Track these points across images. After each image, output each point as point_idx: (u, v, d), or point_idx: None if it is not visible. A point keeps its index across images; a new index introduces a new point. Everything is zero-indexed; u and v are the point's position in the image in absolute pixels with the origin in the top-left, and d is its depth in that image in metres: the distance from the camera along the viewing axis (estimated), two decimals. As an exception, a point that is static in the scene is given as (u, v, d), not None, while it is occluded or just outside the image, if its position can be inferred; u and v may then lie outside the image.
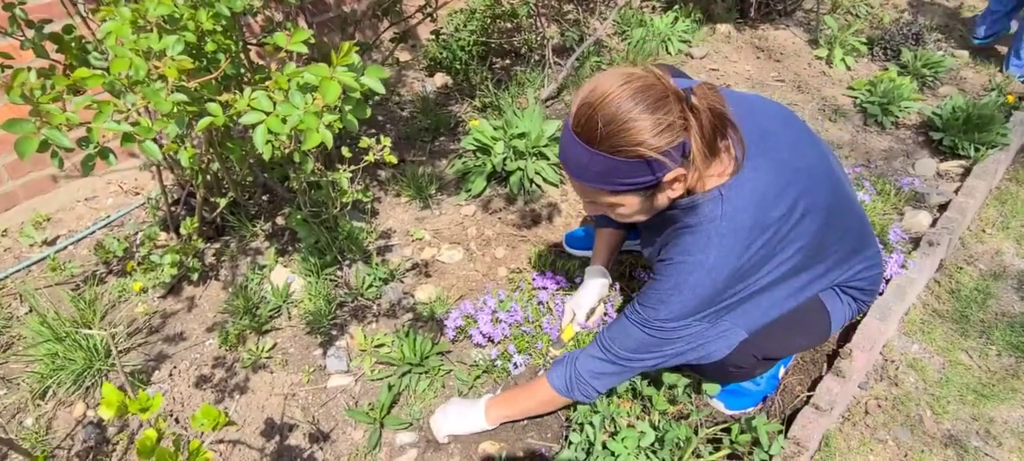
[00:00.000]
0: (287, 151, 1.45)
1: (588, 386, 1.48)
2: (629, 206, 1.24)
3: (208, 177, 2.08)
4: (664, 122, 1.09)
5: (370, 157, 1.63)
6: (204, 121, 1.16)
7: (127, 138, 1.13)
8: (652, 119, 1.09)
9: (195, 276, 2.19)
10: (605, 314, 1.93)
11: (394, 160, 1.67)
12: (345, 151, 1.90)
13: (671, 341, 1.37)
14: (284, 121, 1.16)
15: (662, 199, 1.24)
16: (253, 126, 1.15)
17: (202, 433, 1.69)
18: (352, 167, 1.69)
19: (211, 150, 1.67)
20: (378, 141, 1.64)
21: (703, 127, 1.12)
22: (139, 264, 2.18)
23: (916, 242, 2.24)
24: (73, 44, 1.56)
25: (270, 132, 1.15)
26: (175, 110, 1.12)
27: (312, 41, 1.34)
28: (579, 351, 1.51)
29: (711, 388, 1.69)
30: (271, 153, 1.38)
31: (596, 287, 1.83)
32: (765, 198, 1.24)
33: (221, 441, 1.77)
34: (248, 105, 1.20)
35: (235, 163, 1.78)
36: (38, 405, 1.85)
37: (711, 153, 1.16)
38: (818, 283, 1.45)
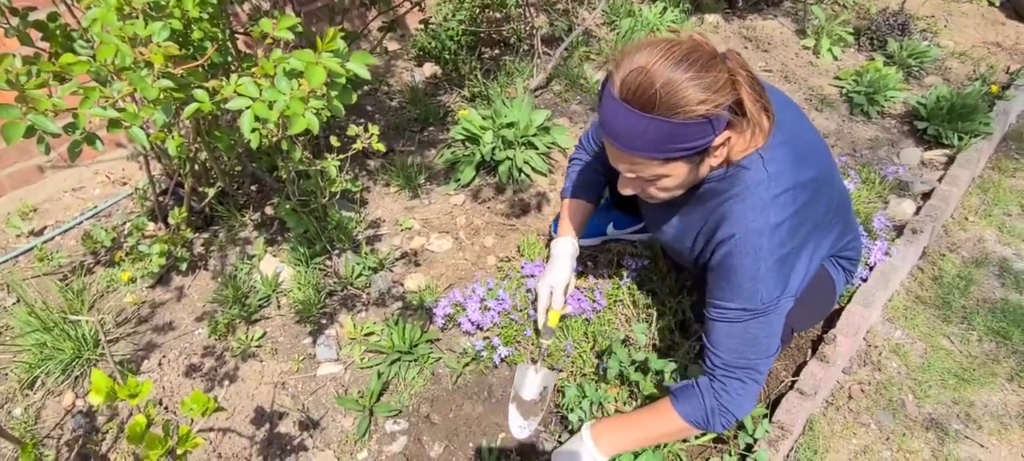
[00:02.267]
0: (275, 139, 1.45)
1: (731, 415, 1.35)
2: (675, 176, 1.22)
3: (196, 167, 2.08)
4: (719, 80, 1.10)
5: (358, 145, 1.64)
6: (191, 108, 1.16)
7: (114, 124, 1.13)
8: (709, 77, 1.09)
9: (184, 266, 2.19)
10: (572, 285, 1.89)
11: (382, 148, 1.67)
12: (334, 140, 1.90)
13: (780, 318, 1.31)
14: (270, 106, 1.16)
15: (705, 167, 1.24)
16: (240, 112, 1.15)
17: (192, 420, 1.70)
18: (340, 155, 1.69)
19: (199, 139, 1.67)
20: (366, 129, 1.64)
21: (749, 81, 1.13)
22: (127, 254, 2.18)
23: (900, 230, 2.27)
24: (58, 31, 1.55)
25: (256, 118, 1.15)
26: (161, 96, 1.12)
27: (299, 28, 1.34)
28: (706, 381, 1.37)
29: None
30: (259, 141, 1.39)
31: (568, 261, 1.71)
32: (797, 161, 1.28)
33: (211, 429, 1.77)
34: (234, 91, 1.20)
35: (223, 152, 1.77)
36: (27, 395, 1.84)
37: (760, 110, 1.16)
38: (828, 250, 1.51)
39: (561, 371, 1.79)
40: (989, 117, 2.73)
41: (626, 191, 1.33)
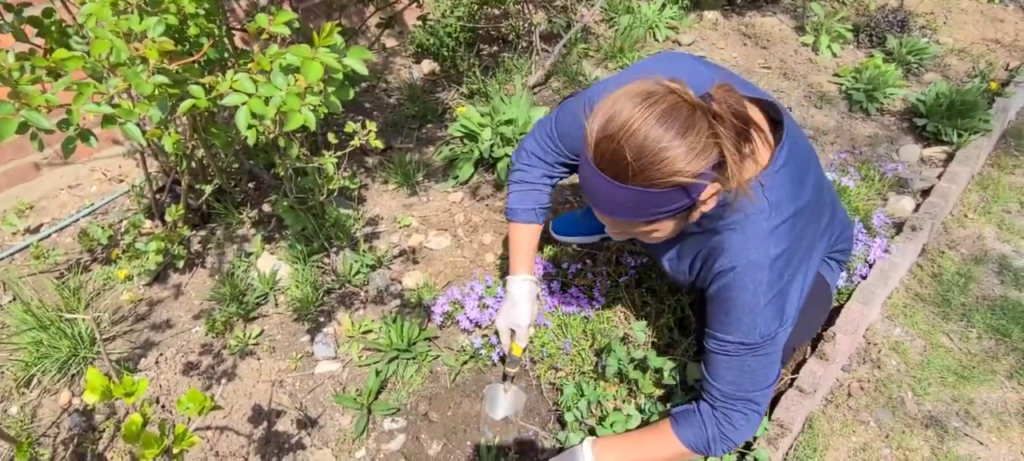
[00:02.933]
0: (272, 136, 1.44)
1: (731, 443, 1.33)
2: (664, 230, 1.16)
3: (193, 164, 2.06)
4: (697, 145, 1.00)
5: (356, 141, 1.63)
6: (186, 104, 1.15)
7: (108, 120, 1.12)
8: (685, 144, 0.99)
9: (181, 264, 2.18)
10: (564, 290, 1.89)
11: (380, 145, 1.66)
12: (331, 137, 1.89)
13: (778, 349, 1.29)
14: (266, 102, 1.15)
15: (697, 215, 1.17)
16: (235, 108, 1.14)
17: (188, 418, 1.69)
18: (338, 152, 1.68)
19: (195, 136, 1.66)
20: (363, 126, 1.63)
21: (732, 136, 1.03)
22: (124, 252, 2.17)
23: (899, 227, 2.26)
24: (53, 28, 1.54)
25: (253, 114, 1.14)
26: (157, 92, 1.11)
27: (296, 24, 1.33)
28: (708, 408, 1.34)
29: (696, 371, 1.70)
30: (255, 138, 1.38)
31: (526, 297, 1.61)
32: (797, 184, 1.24)
33: (208, 427, 1.77)
34: (230, 87, 1.19)
35: (220, 149, 1.76)
36: (23, 393, 1.83)
37: (742, 159, 1.07)
38: (822, 255, 1.47)
39: (526, 396, 1.75)
40: (988, 114, 2.73)
41: (616, 237, 1.30)
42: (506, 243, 2.30)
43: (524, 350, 1.68)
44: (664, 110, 1.00)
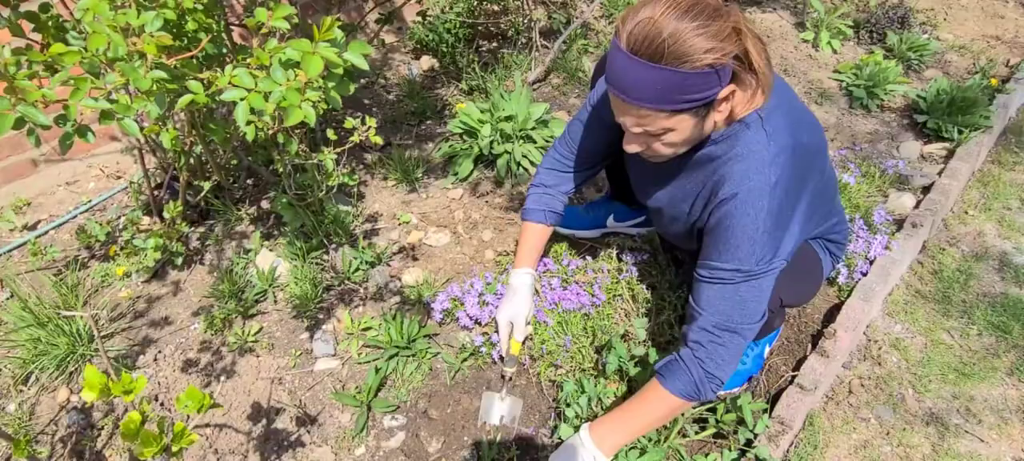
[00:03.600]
0: (271, 132, 1.43)
1: (717, 381, 1.34)
2: (681, 130, 1.22)
3: (191, 160, 2.05)
4: (725, 29, 1.11)
5: (355, 137, 1.62)
6: (185, 99, 1.14)
7: (106, 116, 1.11)
8: (715, 26, 1.10)
9: (179, 260, 2.17)
10: (564, 286, 1.91)
11: (379, 141, 1.65)
12: (331, 133, 1.88)
13: (771, 282, 1.31)
14: (266, 98, 1.14)
15: (710, 123, 1.24)
16: (234, 103, 1.13)
17: (187, 416, 1.68)
18: (337, 148, 1.67)
19: (194, 132, 1.64)
20: (363, 122, 1.62)
21: (752, 33, 1.14)
22: (122, 249, 2.16)
23: (900, 224, 2.26)
24: (50, 22, 1.53)
25: (252, 110, 1.13)
26: (155, 88, 1.10)
27: (295, 18, 1.32)
28: (688, 352, 1.35)
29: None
30: (254, 134, 1.37)
31: (526, 291, 1.70)
32: (794, 125, 1.29)
33: (207, 425, 1.76)
34: (229, 82, 1.18)
35: (219, 146, 1.75)
36: (20, 390, 1.83)
37: (765, 62, 1.17)
38: (814, 229, 1.53)
39: (522, 401, 1.74)
40: (989, 110, 2.72)
41: (631, 149, 1.31)
42: (506, 240, 2.29)
43: (522, 346, 1.70)
44: (692, 1, 1.11)
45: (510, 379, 1.71)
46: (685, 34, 1.08)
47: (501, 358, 1.76)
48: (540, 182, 1.77)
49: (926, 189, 2.47)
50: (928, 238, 2.32)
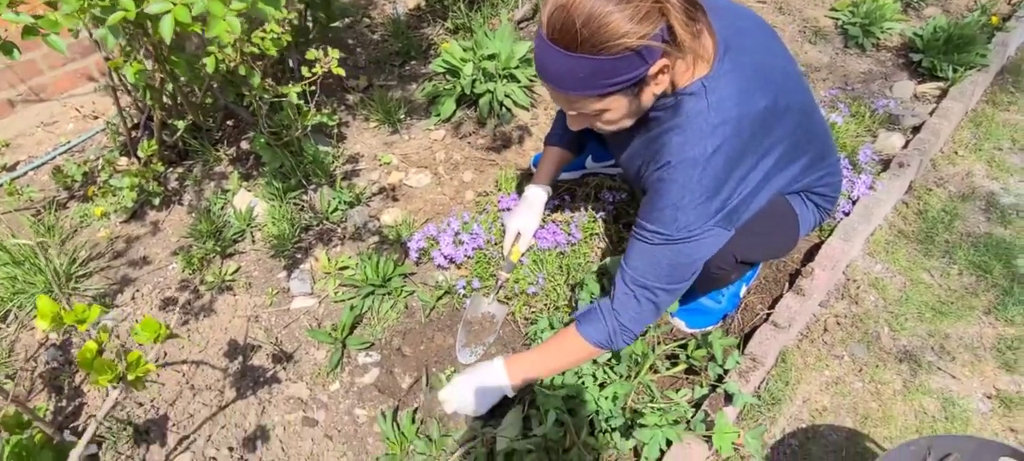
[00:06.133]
0: (233, 64, 1.39)
1: (630, 333, 1.39)
2: (616, 109, 1.20)
3: (165, 99, 2.02)
4: (642, 9, 1.05)
5: (318, 69, 1.58)
6: (116, 16, 1.10)
7: (28, 31, 1.07)
8: (632, 7, 1.05)
9: (157, 200, 2.16)
10: (543, 225, 1.92)
11: (342, 72, 1.61)
12: (305, 71, 1.84)
13: (697, 250, 1.31)
14: (189, 9, 1.09)
15: (647, 97, 1.21)
16: (159, 17, 1.09)
17: (145, 345, 1.69)
18: (303, 83, 1.64)
19: (159, 66, 1.61)
20: (325, 53, 1.58)
21: (680, 5, 1.08)
22: (100, 189, 2.15)
23: (886, 164, 2.22)
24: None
25: (178, 24, 1.09)
26: (85, 3, 1.06)
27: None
28: (607, 302, 1.39)
29: (671, 306, 1.69)
30: (214, 65, 1.34)
31: (539, 205, 1.77)
32: (747, 90, 1.24)
33: (185, 361, 1.78)
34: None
35: (189, 81, 1.71)
36: (0, 328, 1.84)
37: (693, 35, 1.13)
38: (791, 183, 1.47)
39: (509, 306, 1.80)
40: (986, 49, 2.65)
41: (574, 127, 1.31)
42: (486, 181, 2.27)
43: (522, 257, 1.77)
44: None
45: (502, 285, 1.77)
46: (600, 19, 1.04)
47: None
48: (551, 133, 1.83)
49: (916, 129, 2.42)
50: (915, 178, 2.29)
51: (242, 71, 1.40)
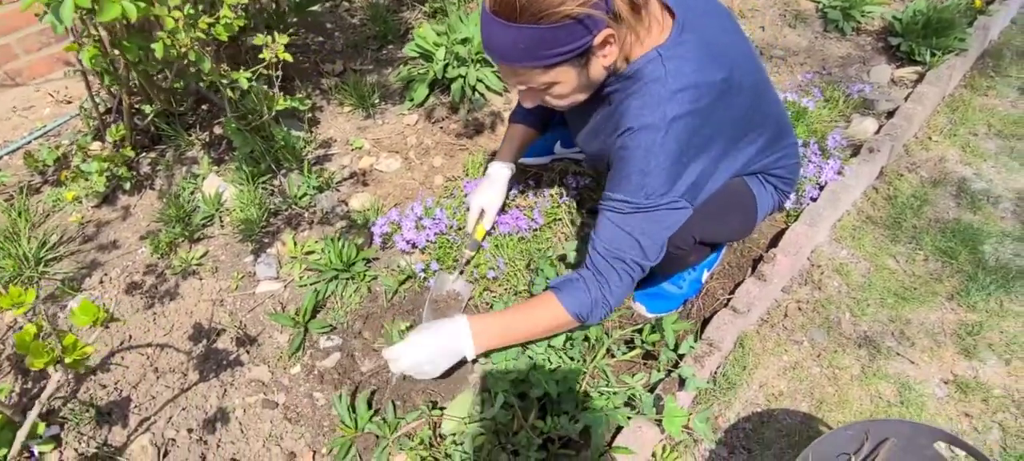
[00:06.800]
0: (183, 49, 1.40)
1: (608, 306, 1.37)
2: (565, 82, 1.20)
3: (131, 83, 2.03)
4: None
5: (265, 54, 1.58)
6: (27, 1, 1.10)
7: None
8: None
9: (128, 185, 2.17)
10: (506, 209, 1.93)
11: (289, 57, 1.61)
12: (266, 54, 1.83)
13: (665, 218, 1.30)
14: None
15: (597, 69, 1.20)
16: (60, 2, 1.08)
17: (81, 327, 1.71)
18: (251, 69, 1.64)
19: (115, 50, 1.61)
20: (273, 40, 1.58)
21: None
22: (71, 174, 2.16)
23: (857, 149, 2.22)
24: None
25: (78, 7, 1.09)
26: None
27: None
28: (588, 273, 1.36)
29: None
30: (162, 51, 1.34)
31: (503, 182, 1.79)
32: (704, 62, 1.24)
33: (149, 345, 1.80)
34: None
35: (144, 65, 1.71)
36: (-32, 311, 1.86)
37: (633, 8, 1.14)
38: (748, 164, 1.48)
39: (474, 285, 1.81)
40: (966, 32, 2.62)
41: (527, 103, 1.31)
42: (455, 166, 2.27)
43: (486, 235, 1.79)
44: None
45: (467, 262, 1.79)
46: None
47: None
48: (516, 111, 1.85)
49: (891, 114, 2.41)
50: (887, 163, 2.28)
51: (192, 56, 1.40)
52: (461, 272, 1.80)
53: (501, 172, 1.80)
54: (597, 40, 1.12)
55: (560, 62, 1.14)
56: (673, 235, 1.37)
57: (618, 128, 1.27)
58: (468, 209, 1.82)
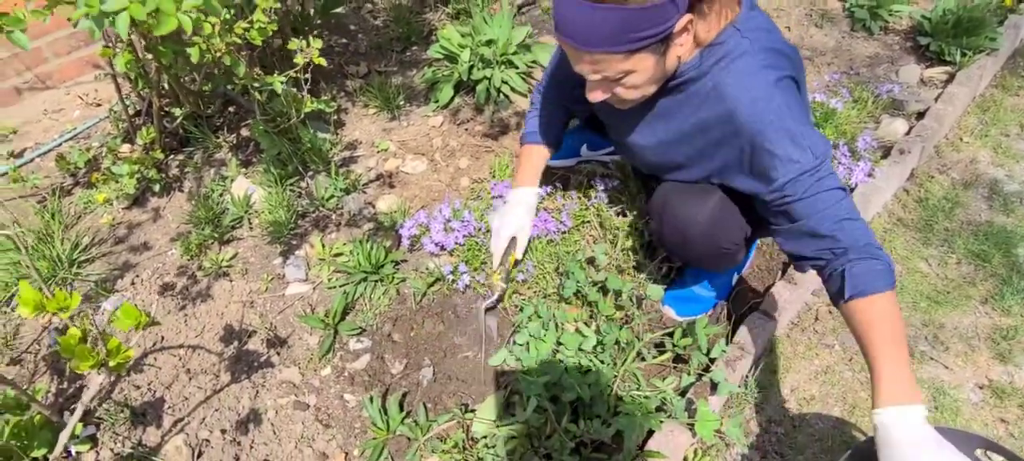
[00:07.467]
0: (218, 54, 1.41)
1: (882, 254, 1.16)
2: (642, 70, 1.16)
3: (162, 87, 2.05)
4: None
5: (299, 59, 1.59)
6: (78, 12, 1.12)
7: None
8: None
9: (157, 187, 2.20)
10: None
11: (323, 62, 1.62)
12: (299, 59, 1.85)
13: (833, 171, 1.18)
14: (143, 3, 1.10)
15: (672, 58, 1.18)
16: (116, 15, 1.10)
17: (120, 330, 1.72)
18: (286, 73, 1.65)
19: (150, 56, 1.63)
20: (308, 44, 1.59)
21: None
22: (103, 176, 2.19)
23: (887, 151, 2.19)
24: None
25: (134, 22, 1.11)
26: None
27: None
28: (844, 253, 1.15)
29: (655, 292, 1.69)
30: (198, 56, 1.35)
31: (531, 207, 1.70)
32: (776, 35, 1.24)
33: (181, 346, 1.82)
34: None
35: (177, 70, 1.73)
36: (5, 312, 1.89)
37: None
38: None
39: (505, 287, 1.77)
40: (996, 31, 2.58)
41: (595, 98, 1.25)
42: (481, 168, 2.27)
43: (516, 264, 1.71)
44: None
45: (500, 299, 1.74)
46: None
47: (494, 271, 1.74)
48: (535, 107, 1.76)
49: (921, 115, 2.38)
50: (918, 165, 2.25)
51: (227, 61, 1.41)
52: (493, 308, 1.74)
53: (527, 197, 1.69)
54: (677, 26, 1.09)
55: (643, 47, 1.10)
56: (724, 231, 1.35)
57: (716, 110, 1.22)
58: (491, 233, 1.72)
